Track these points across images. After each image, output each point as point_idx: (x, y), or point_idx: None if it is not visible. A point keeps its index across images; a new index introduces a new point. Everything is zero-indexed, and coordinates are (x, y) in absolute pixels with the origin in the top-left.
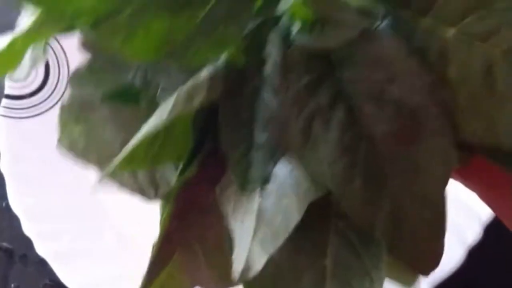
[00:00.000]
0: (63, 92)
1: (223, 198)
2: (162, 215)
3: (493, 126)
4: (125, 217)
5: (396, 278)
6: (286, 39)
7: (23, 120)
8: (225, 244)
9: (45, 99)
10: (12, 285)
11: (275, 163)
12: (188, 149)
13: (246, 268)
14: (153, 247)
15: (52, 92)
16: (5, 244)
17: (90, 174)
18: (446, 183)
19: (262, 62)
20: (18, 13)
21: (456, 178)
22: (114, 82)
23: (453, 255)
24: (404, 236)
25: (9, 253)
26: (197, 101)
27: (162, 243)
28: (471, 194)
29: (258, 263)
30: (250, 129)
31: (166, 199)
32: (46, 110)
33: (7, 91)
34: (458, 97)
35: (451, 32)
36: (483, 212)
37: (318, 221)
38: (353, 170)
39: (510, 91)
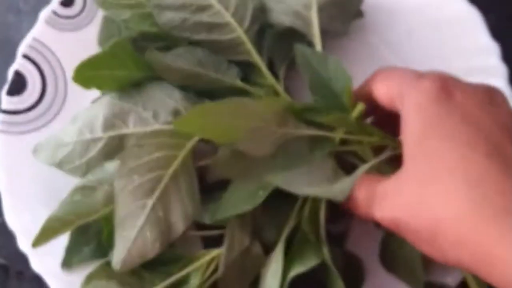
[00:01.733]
0: (61, 107)
1: None
2: None
3: None
4: None
5: None
6: None
7: (20, 135)
8: None
9: (43, 114)
10: None
11: None
12: None
13: None
14: None
15: (50, 107)
16: (1, 260)
17: None
18: None
19: None
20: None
21: None
22: None
23: None
24: None
25: (5, 269)
26: None
27: None
28: None
29: None
30: None
31: None
32: (44, 125)
33: (4, 106)
34: None
35: None
36: None
37: None
38: None
39: None
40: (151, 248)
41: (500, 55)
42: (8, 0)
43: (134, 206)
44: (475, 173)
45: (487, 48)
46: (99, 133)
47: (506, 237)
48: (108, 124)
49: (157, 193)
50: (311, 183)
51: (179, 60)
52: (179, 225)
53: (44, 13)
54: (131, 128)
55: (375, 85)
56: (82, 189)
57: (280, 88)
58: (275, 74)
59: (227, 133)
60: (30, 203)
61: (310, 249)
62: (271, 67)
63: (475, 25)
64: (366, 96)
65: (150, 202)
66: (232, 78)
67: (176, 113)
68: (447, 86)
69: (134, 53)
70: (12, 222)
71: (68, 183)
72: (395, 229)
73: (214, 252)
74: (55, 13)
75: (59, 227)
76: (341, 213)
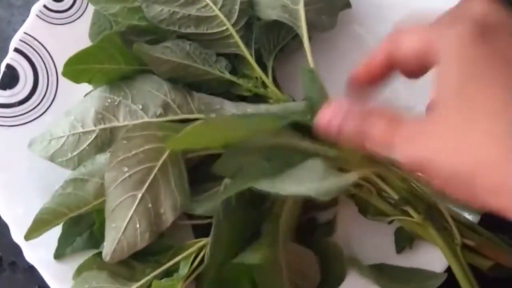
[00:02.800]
0: (52, 100)
1: None
2: None
3: None
4: None
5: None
6: None
7: (12, 128)
8: None
9: (34, 108)
10: None
11: None
12: None
13: None
14: None
15: (41, 101)
16: None
17: None
18: None
19: None
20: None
21: None
22: None
23: None
24: None
25: None
26: None
27: None
28: None
29: None
30: None
31: None
32: (35, 119)
33: None
34: None
35: None
36: None
37: None
38: None
39: None
40: (141, 239)
41: None
42: None
43: (124, 197)
44: None
45: None
46: (90, 126)
47: None
48: (99, 118)
49: (146, 185)
50: (300, 183)
51: (168, 52)
52: (168, 216)
53: (36, 7)
54: (122, 121)
55: (400, 39)
56: (74, 182)
57: (268, 79)
58: (263, 66)
59: (219, 144)
60: (23, 194)
61: (262, 247)
62: (260, 59)
63: None
64: (385, 55)
65: (139, 194)
66: (221, 70)
67: (165, 105)
68: (484, 31)
69: (123, 47)
70: (4, 213)
71: (60, 175)
72: (420, 171)
73: (203, 241)
74: (46, 7)
75: (51, 219)
76: (329, 201)
